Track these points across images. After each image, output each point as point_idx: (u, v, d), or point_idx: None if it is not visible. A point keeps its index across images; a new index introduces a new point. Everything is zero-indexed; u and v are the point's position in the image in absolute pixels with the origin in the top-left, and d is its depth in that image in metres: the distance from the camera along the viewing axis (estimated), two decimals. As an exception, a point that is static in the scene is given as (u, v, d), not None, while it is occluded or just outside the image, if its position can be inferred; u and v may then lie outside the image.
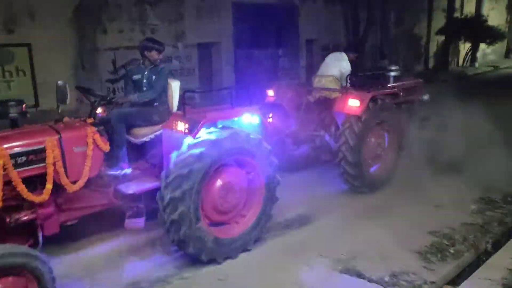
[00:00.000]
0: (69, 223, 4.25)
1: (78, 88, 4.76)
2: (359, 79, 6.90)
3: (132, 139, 4.69)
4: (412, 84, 7.48)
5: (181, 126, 4.31)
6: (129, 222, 4.44)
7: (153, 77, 4.81)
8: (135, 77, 4.90)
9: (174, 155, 4.18)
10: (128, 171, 4.51)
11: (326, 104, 6.61)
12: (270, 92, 7.00)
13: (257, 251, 4.62)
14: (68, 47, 8.83)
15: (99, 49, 9.23)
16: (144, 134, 4.68)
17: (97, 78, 9.22)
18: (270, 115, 4.30)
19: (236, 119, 4.59)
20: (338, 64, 6.78)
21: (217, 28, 11.53)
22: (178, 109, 4.95)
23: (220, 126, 4.47)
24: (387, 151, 6.49)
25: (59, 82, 4.22)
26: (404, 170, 6.68)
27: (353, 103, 5.97)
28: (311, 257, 4.45)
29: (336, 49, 7.11)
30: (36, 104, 8.47)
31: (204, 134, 4.24)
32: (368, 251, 4.52)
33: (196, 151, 4.07)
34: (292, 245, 4.74)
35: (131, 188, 4.42)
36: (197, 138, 4.20)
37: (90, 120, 4.43)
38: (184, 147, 4.17)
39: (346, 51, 7.04)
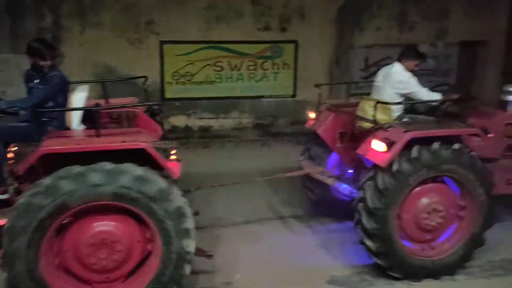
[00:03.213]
0: None
1: None
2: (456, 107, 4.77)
3: None
4: None
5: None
6: None
7: (41, 87, 4.01)
8: (30, 84, 4.12)
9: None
10: (2, 196, 3.69)
11: (364, 139, 4.50)
12: (311, 115, 5.37)
13: None
14: (327, 45, 9.49)
15: (353, 46, 9.56)
16: None
17: (348, 75, 9.65)
18: (174, 151, 3.27)
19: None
20: (388, 82, 4.81)
21: (487, 25, 10.18)
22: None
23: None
24: (459, 217, 4.28)
25: None
26: None
27: (377, 147, 4.01)
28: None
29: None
30: (293, 95, 9.57)
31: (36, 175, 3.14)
32: None
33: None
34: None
35: None
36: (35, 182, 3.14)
37: None
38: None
39: (402, 57, 4.84)
